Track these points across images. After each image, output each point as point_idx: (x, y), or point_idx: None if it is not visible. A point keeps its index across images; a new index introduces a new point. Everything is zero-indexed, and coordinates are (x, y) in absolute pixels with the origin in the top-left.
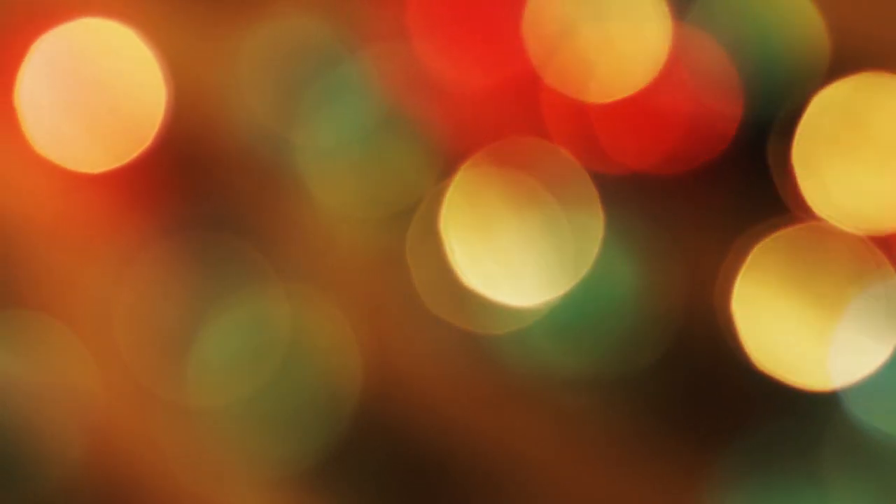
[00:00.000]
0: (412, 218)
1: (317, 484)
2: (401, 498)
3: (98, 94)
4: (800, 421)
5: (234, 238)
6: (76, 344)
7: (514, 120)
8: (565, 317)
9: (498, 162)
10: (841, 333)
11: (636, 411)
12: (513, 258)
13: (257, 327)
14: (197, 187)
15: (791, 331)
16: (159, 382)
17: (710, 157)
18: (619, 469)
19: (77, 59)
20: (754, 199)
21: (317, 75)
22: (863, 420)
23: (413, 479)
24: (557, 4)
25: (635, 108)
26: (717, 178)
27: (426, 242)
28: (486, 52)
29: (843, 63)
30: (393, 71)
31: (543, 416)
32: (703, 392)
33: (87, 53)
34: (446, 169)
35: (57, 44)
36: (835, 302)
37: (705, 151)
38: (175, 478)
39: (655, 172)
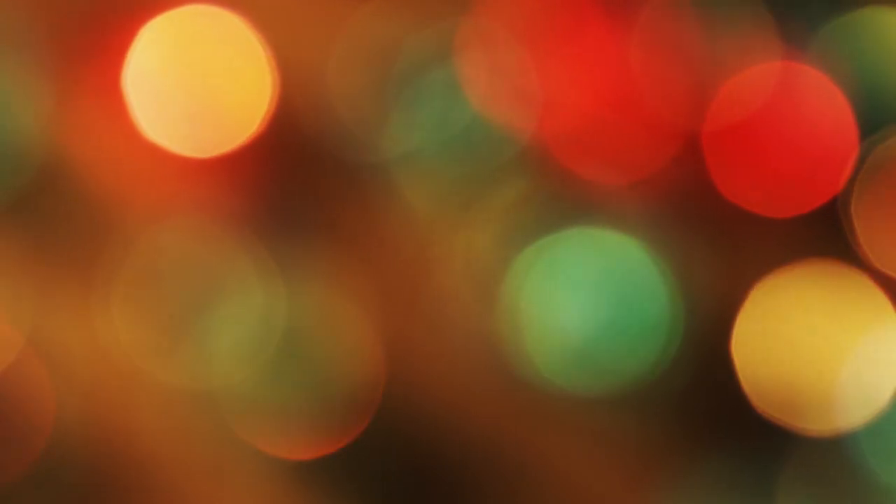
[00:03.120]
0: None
1: (322, 478)
2: (405, 495)
3: (204, 80)
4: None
5: (308, 230)
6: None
7: (608, 137)
8: (596, 336)
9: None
10: (847, 377)
11: (658, 431)
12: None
13: (288, 318)
14: (290, 178)
15: (794, 371)
16: (162, 368)
17: (822, 200)
18: (636, 486)
19: (184, 46)
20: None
21: (413, 76)
22: (866, 465)
23: (422, 482)
24: (664, 26)
25: (740, 139)
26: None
27: (466, 250)
28: (587, 68)
29: None
30: (489, 78)
31: (562, 430)
32: (726, 416)
33: (194, 40)
34: (534, 178)
35: (164, 30)
36: (842, 344)
37: (823, 191)
38: (178, 472)
39: (760, 211)
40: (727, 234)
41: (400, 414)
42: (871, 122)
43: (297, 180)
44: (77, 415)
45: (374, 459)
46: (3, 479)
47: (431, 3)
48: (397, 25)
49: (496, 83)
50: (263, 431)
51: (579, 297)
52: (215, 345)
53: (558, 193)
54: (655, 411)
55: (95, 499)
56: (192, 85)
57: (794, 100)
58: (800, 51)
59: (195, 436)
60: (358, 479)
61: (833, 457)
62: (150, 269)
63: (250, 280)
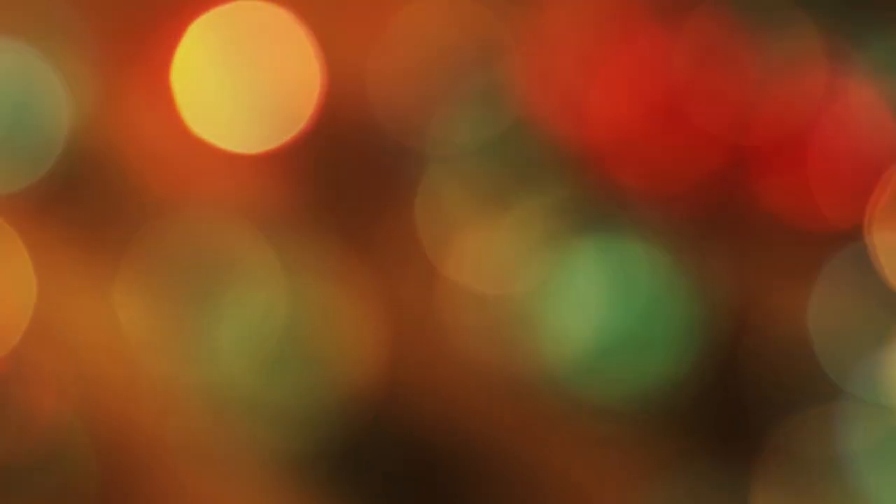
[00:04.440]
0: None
1: (320, 478)
2: (406, 494)
3: (253, 76)
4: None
5: (342, 228)
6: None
7: (649, 146)
8: (613, 344)
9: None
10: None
11: (669, 440)
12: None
13: (301, 315)
14: (332, 176)
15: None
16: (167, 373)
17: (860, 218)
18: (644, 494)
19: (233, 41)
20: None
21: (455, 79)
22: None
23: (422, 483)
24: (712, 37)
25: (790, 154)
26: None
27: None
28: (632, 76)
29: None
30: (530, 80)
31: (570, 436)
32: (739, 418)
33: (243, 35)
34: (573, 178)
35: (214, 25)
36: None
37: (855, 211)
38: (179, 465)
39: (795, 225)
40: (755, 246)
41: (403, 414)
42: None
43: (338, 178)
44: (79, 402)
45: (375, 459)
46: (5, 463)
47: (477, 4)
48: (442, 26)
49: (539, 87)
50: (264, 427)
51: (598, 305)
52: (220, 339)
53: (593, 199)
54: (667, 420)
55: (96, 486)
56: (240, 81)
57: (839, 116)
58: (846, 67)
59: (196, 429)
60: (358, 479)
61: (837, 467)
62: (160, 262)
63: (262, 276)
